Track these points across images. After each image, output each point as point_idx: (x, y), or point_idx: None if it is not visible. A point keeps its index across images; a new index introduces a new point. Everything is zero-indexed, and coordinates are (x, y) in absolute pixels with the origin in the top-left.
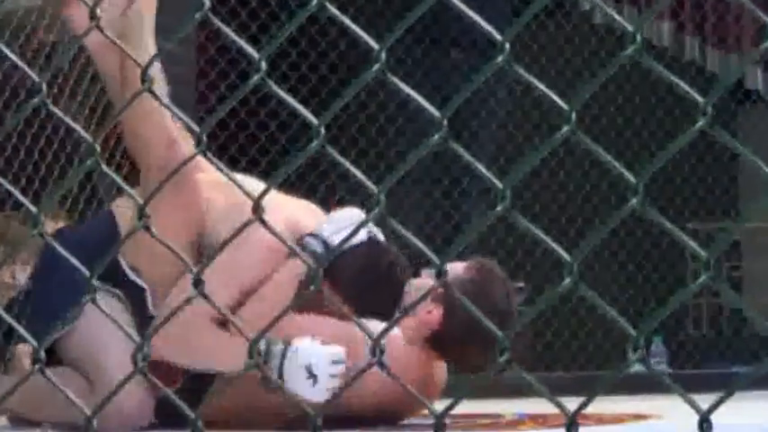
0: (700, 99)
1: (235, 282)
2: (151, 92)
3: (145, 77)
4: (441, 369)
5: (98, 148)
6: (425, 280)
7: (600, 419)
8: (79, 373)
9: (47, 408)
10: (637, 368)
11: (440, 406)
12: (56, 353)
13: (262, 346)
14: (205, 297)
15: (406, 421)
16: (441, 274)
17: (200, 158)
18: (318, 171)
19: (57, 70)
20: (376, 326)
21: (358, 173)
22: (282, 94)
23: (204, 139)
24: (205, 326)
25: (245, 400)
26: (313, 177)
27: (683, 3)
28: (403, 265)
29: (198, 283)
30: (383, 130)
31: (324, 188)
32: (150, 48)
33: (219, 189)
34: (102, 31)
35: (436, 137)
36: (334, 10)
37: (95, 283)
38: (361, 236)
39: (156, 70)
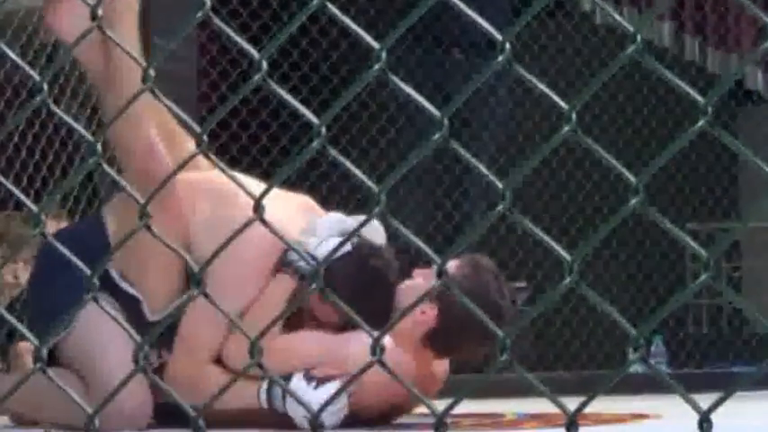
0: (700, 99)
1: (238, 297)
2: (152, 92)
3: (146, 77)
4: (441, 364)
5: (99, 148)
6: (417, 280)
7: (600, 419)
8: (75, 374)
9: (46, 407)
10: (637, 368)
11: (440, 406)
12: (52, 353)
13: (263, 386)
14: (206, 296)
15: (406, 421)
16: (441, 274)
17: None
18: (319, 171)
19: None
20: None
21: (359, 173)
22: (283, 93)
23: (205, 138)
24: (211, 373)
25: (247, 402)
26: (314, 177)
27: (683, 3)
28: (393, 267)
29: (198, 282)
30: (384, 129)
31: (325, 188)
32: (136, 47)
33: (207, 196)
34: (103, 32)
35: (437, 137)
36: (334, 10)
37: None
38: (346, 246)
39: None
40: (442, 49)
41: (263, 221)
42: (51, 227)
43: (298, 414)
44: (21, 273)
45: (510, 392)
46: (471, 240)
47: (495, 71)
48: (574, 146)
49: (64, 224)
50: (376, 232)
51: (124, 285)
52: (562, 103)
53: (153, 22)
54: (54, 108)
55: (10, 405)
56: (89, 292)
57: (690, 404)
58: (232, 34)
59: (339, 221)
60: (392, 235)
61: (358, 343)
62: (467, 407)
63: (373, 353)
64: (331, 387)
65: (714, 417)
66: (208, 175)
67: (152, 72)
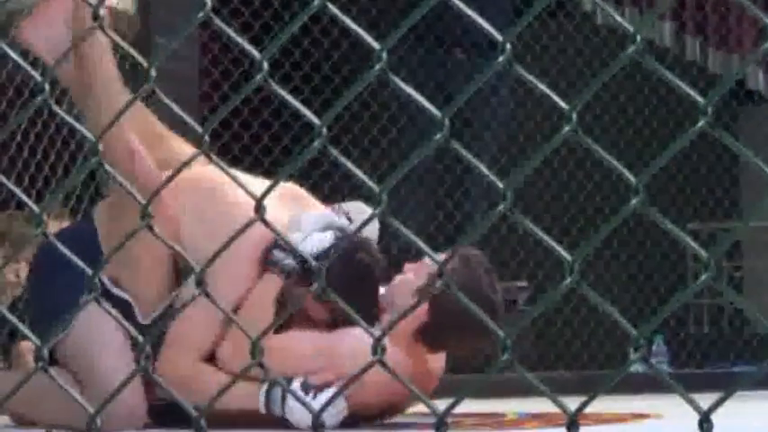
0: (701, 100)
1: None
2: (153, 91)
3: (147, 77)
4: (437, 360)
5: (101, 148)
6: (408, 275)
7: (601, 419)
8: (70, 374)
9: (45, 407)
10: (638, 368)
11: (441, 405)
12: (50, 352)
13: (262, 389)
14: (207, 295)
15: (407, 421)
16: (442, 274)
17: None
18: (321, 171)
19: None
20: (358, 333)
21: (360, 173)
22: (285, 93)
23: (207, 138)
24: (205, 372)
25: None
26: (316, 177)
27: (684, 3)
28: (379, 260)
29: (200, 283)
30: (385, 129)
31: (326, 188)
32: (108, 52)
33: (196, 194)
34: (105, 32)
35: (438, 137)
36: (336, 10)
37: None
38: (329, 239)
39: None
40: (444, 50)
41: (265, 221)
42: (53, 226)
43: (296, 419)
44: (23, 272)
45: (511, 392)
46: (472, 240)
47: (496, 71)
48: (575, 146)
49: (66, 224)
50: (368, 227)
51: (116, 291)
52: (563, 104)
53: (154, 21)
54: (56, 108)
55: (9, 404)
56: (91, 292)
57: (690, 404)
58: (233, 34)
59: (323, 216)
60: (393, 234)
61: (351, 340)
62: (468, 407)
63: (374, 353)
64: (329, 394)
65: (714, 417)
66: (195, 173)
67: (153, 72)
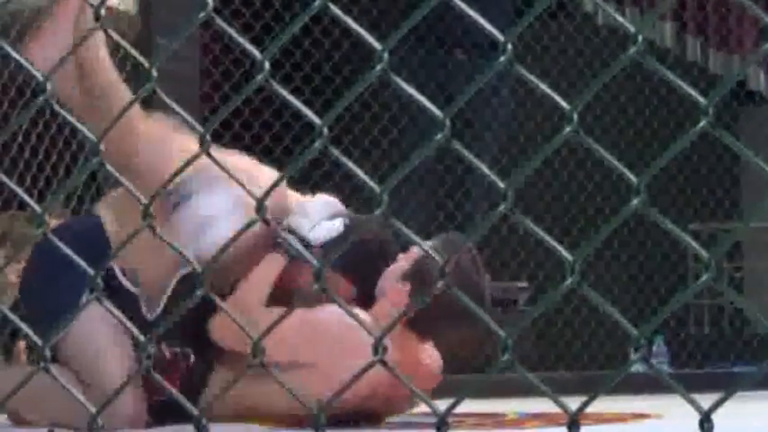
0: (701, 100)
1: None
2: (154, 91)
3: (149, 77)
4: (435, 360)
5: (102, 148)
6: (401, 263)
7: (601, 419)
8: (72, 372)
9: (44, 406)
10: (638, 368)
11: (442, 405)
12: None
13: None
14: (226, 296)
15: (407, 420)
16: (443, 274)
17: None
18: (322, 171)
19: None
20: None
21: (361, 173)
22: (286, 94)
23: (208, 138)
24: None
25: (250, 402)
26: (317, 177)
27: (685, 4)
28: (389, 238)
29: (202, 284)
30: (386, 130)
31: (327, 188)
32: (114, 74)
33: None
34: (106, 32)
35: (439, 137)
36: (337, 11)
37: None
38: (337, 227)
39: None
40: (445, 50)
41: (266, 222)
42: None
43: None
44: None
45: (512, 392)
46: (473, 240)
47: (497, 72)
48: (576, 146)
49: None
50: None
51: (125, 282)
52: (564, 104)
53: (155, 21)
54: (57, 108)
55: (9, 403)
56: (92, 291)
57: (691, 404)
58: (234, 35)
59: (328, 204)
60: (394, 234)
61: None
62: (468, 406)
63: (375, 352)
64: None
65: (715, 417)
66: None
67: (154, 72)
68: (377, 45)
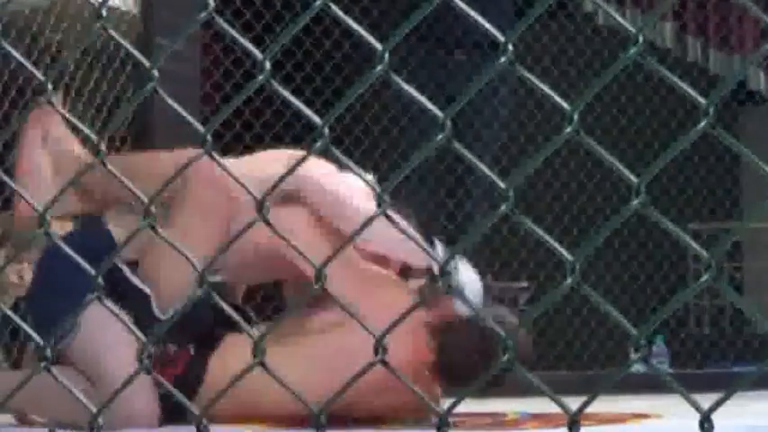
0: (702, 100)
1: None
2: (155, 91)
3: (150, 77)
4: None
5: (103, 148)
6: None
7: (601, 419)
8: (81, 373)
9: (49, 405)
10: (638, 368)
11: (442, 405)
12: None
13: None
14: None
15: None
16: (444, 274)
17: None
18: None
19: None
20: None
21: (362, 173)
22: (286, 94)
23: (209, 138)
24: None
25: (252, 401)
26: None
27: (685, 4)
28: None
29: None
30: (387, 130)
31: None
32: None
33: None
34: (107, 31)
35: (440, 137)
36: (338, 11)
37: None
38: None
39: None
40: (445, 50)
41: (267, 222)
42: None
43: None
44: (26, 273)
45: (512, 392)
46: (474, 240)
47: (497, 72)
48: (576, 146)
49: (69, 224)
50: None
51: (135, 281)
52: (564, 104)
53: (156, 21)
54: (58, 108)
55: (14, 402)
56: (94, 291)
57: (691, 404)
58: (235, 35)
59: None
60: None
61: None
62: (468, 406)
63: (376, 352)
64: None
65: (715, 417)
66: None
67: (155, 72)
68: (377, 45)
